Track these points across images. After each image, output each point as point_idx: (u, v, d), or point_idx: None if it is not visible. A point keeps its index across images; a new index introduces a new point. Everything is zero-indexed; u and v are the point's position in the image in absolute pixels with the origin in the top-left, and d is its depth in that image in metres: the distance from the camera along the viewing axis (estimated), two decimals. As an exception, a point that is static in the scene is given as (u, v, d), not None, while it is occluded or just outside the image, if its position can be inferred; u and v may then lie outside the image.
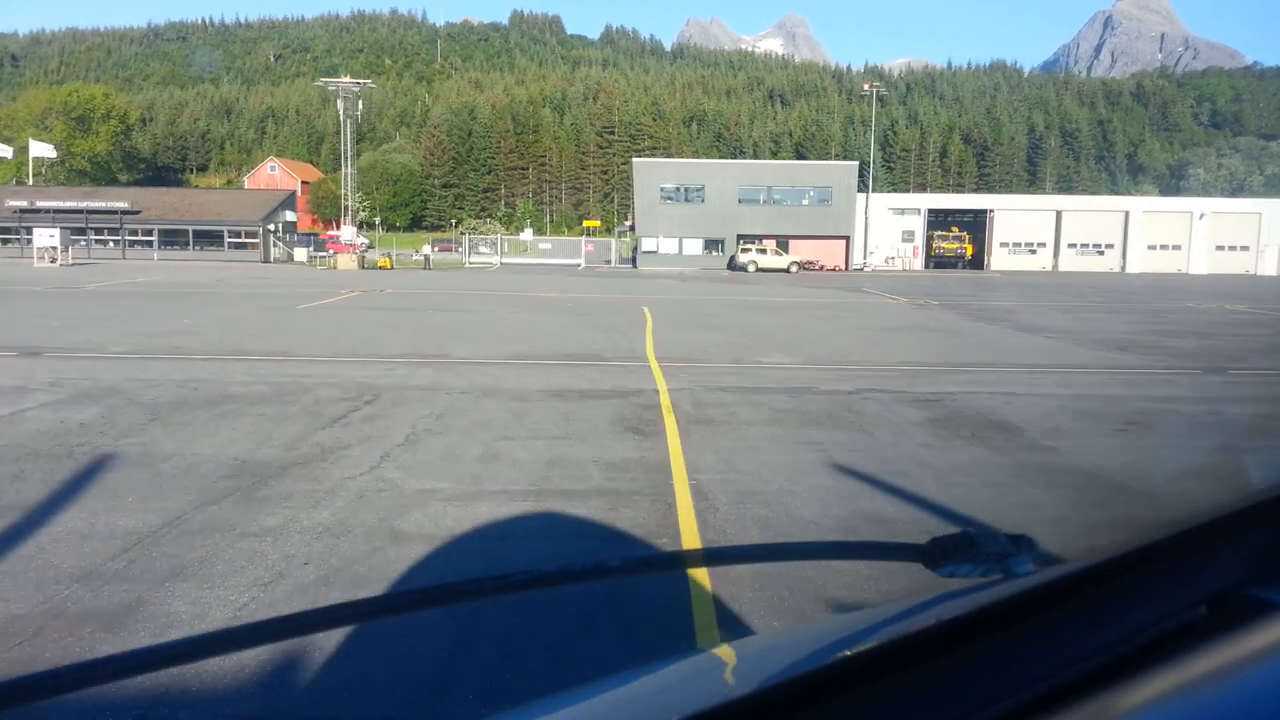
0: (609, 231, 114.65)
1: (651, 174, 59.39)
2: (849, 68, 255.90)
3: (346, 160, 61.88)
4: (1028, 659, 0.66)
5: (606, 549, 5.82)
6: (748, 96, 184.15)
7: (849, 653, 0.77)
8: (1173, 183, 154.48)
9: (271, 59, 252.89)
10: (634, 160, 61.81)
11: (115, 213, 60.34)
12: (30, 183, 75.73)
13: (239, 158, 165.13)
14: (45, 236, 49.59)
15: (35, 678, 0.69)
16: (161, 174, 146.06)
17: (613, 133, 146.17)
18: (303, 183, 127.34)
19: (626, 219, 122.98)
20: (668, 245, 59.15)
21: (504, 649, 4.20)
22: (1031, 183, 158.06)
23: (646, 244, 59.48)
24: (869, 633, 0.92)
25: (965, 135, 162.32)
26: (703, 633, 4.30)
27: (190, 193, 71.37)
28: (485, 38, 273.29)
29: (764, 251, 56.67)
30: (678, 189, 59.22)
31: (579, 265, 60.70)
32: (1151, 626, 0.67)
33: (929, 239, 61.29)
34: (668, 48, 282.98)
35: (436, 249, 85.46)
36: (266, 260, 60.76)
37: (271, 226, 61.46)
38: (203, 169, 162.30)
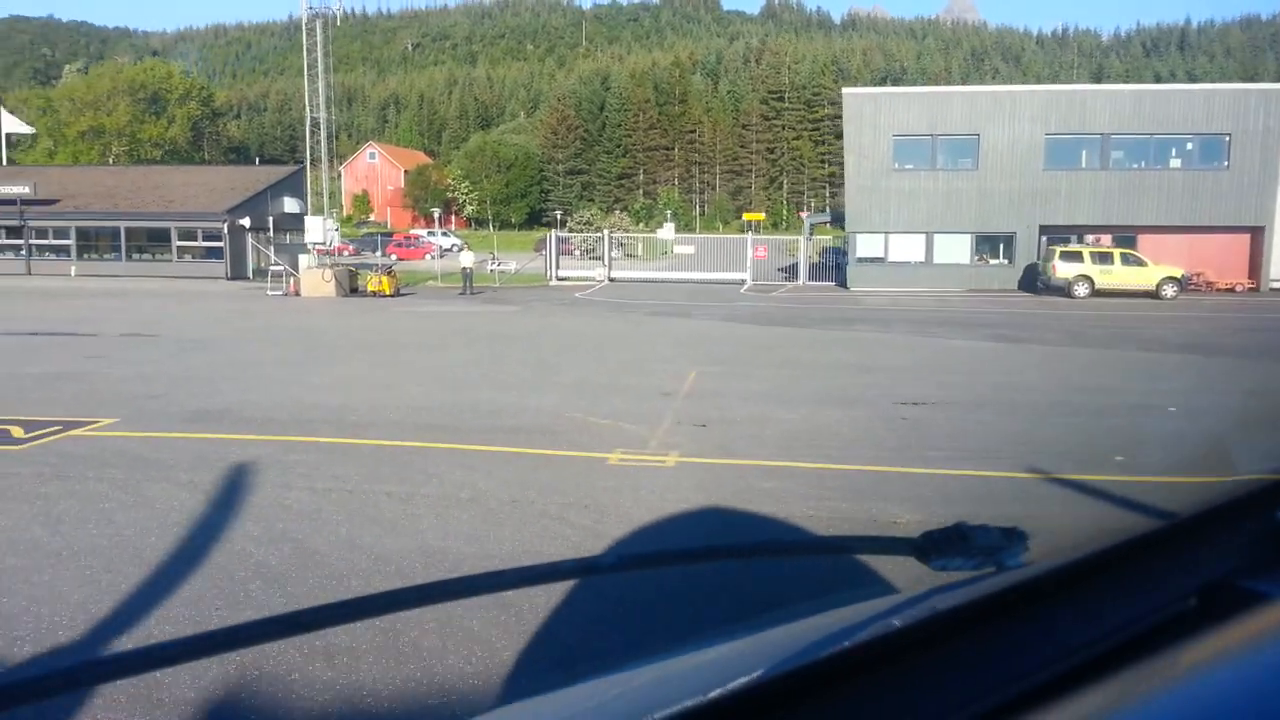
0: (776, 227, 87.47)
1: (876, 116, 32.48)
2: (1054, 33, 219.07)
3: (322, 130, 37.95)
4: (1020, 651, 0.66)
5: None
6: (942, 58, 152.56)
7: (842, 646, 0.76)
8: None
9: (409, 48, 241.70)
10: (845, 92, 35.02)
11: (13, 203, 38.22)
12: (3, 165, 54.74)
13: (352, 147, 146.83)
14: None
15: (35, 678, 0.68)
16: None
17: (781, 99, 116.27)
18: (405, 172, 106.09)
19: (806, 207, 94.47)
20: (903, 246, 32.22)
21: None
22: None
23: (864, 245, 32.73)
24: (862, 626, 0.89)
25: None
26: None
27: (135, 172, 49.03)
28: (634, 18, 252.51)
29: (1104, 258, 29.00)
30: (924, 144, 32.12)
31: (742, 281, 34.55)
32: (1143, 618, 0.67)
33: None
34: (836, 20, 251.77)
35: (543, 251, 61.18)
36: (238, 276, 37.41)
37: (245, 221, 38.00)
38: (314, 162, 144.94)
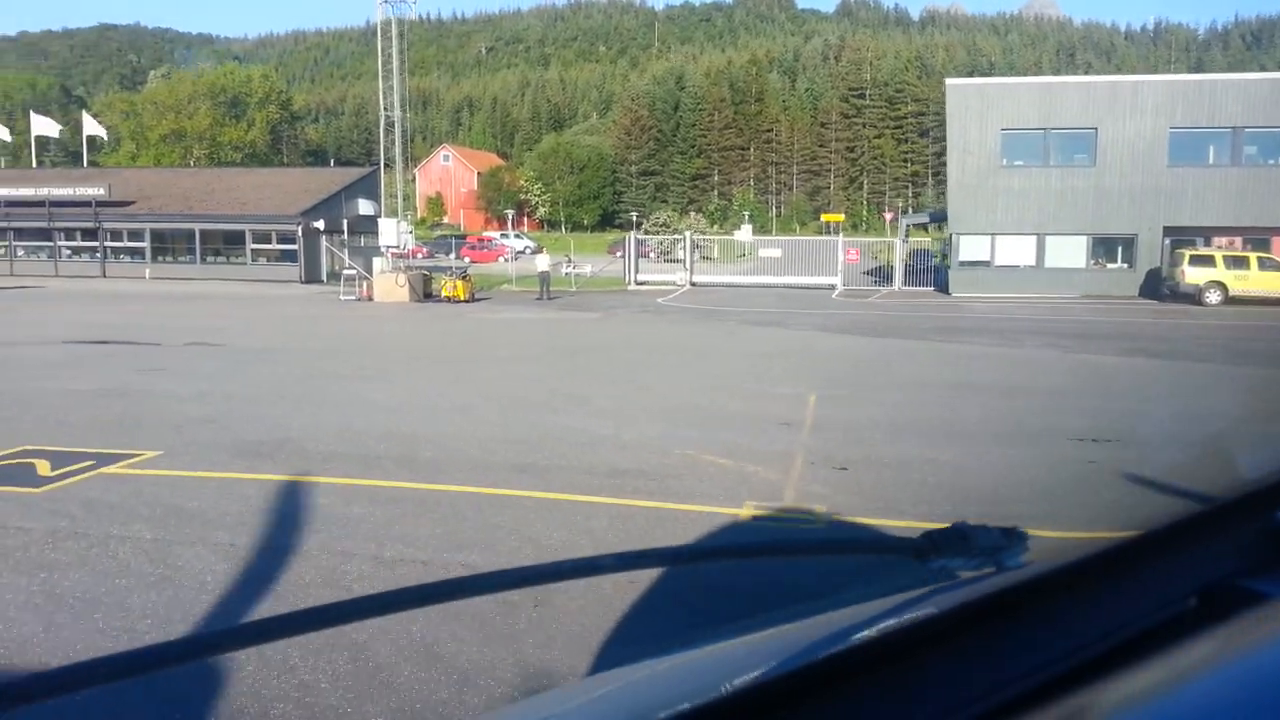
0: (856, 228, 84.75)
1: (983, 109, 30.17)
2: (1144, 28, 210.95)
3: (396, 123, 36.96)
4: (1020, 652, 0.66)
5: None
6: (1030, 53, 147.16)
7: (842, 646, 0.76)
8: None
9: (482, 52, 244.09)
10: (949, 83, 32.64)
11: (88, 204, 38.06)
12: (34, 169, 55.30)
13: (426, 150, 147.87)
14: None
15: (35, 678, 0.69)
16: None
17: (862, 96, 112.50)
18: (478, 174, 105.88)
19: (888, 207, 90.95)
20: (1012, 249, 29.89)
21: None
22: None
23: (968, 247, 30.44)
24: (862, 627, 0.90)
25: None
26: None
27: (210, 174, 48.76)
28: (707, 18, 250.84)
29: (1239, 263, 26.47)
30: (1036, 139, 29.74)
31: (832, 286, 32.59)
32: (1143, 618, 0.67)
33: None
34: (915, 17, 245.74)
35: (619, 253, 59.80)
36: (312, 279, 36.69)
37: (319, 224, 37.26)
38: (388, 164, 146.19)
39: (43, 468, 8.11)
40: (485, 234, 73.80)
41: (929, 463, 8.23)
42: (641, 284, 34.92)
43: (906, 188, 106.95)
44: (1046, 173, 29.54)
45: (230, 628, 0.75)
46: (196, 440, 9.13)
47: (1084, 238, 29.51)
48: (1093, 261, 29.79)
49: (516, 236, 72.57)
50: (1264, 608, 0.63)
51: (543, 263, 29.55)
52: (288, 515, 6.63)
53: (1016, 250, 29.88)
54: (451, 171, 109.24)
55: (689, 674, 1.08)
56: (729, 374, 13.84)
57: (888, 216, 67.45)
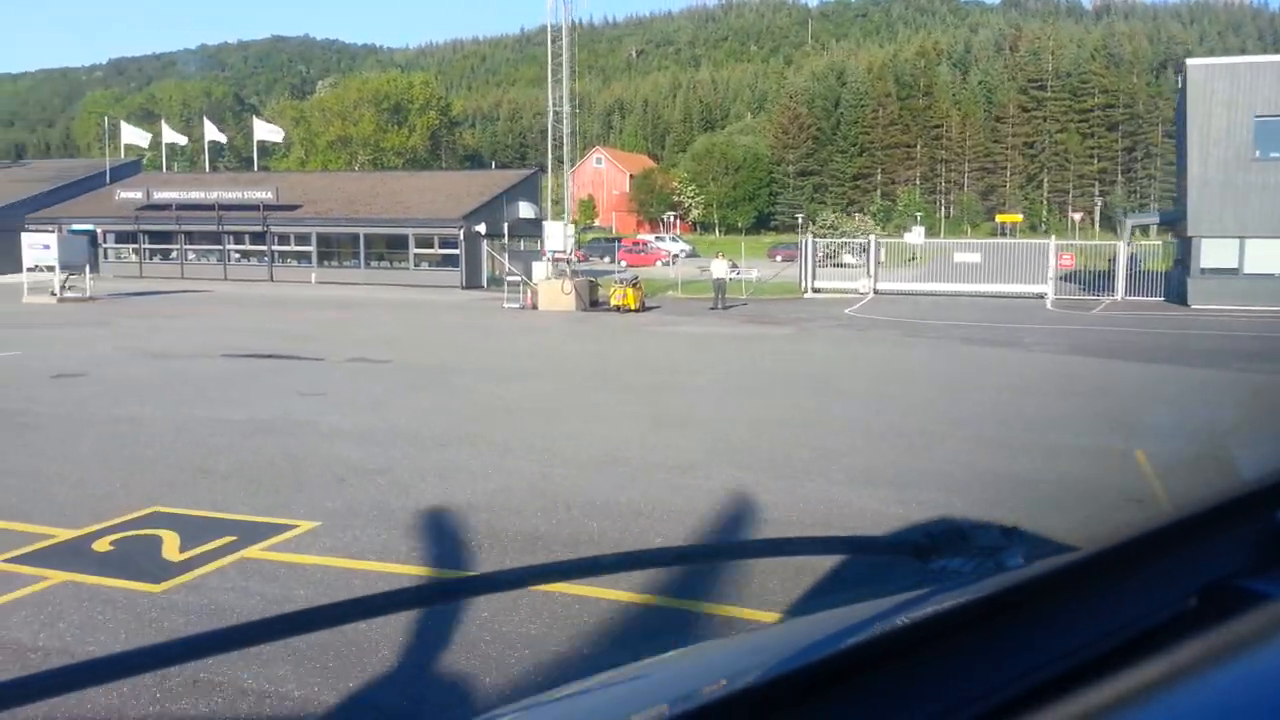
0: (1034, 229, 78.76)
1: (1231, 93, 25.92)
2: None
3: (563, 120, 35.54)
4: (1019, 652, 0.66)
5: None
6: (1233, 38, 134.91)
7: (842, 646, 0.76)
8: None
9: (632, 55, 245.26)
10: (1189, 64, 28.17)
11: (255, 208, 38.11)
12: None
13: (578, 153, 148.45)
14: (39, 248, 27.36)
15: (35, 678, 0.69)
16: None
17: (1042, 88, 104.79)
18: (630, 176, 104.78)
19: (1070, 206, 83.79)
20: (1266, 254, 25.54)
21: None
22: None
23: (1211, 252, 26.27)
24: (861, 627, 0.90)
25: None
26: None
27: (374, 178, 48.48)
28: (864, 13, 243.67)
29: None
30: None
31: (1041, 295, 28.95)
32: (1143, 618, 0.67)
33: None
34: (1087, 6, 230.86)
35: (780, 257, 56.93)
36: (473, 285, 35.58)
37: (481, 228, 36.10)
38: (541, 169, 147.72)
39: (170, 545, 6.24)
40: (639, 236, 72.11)
41: None
42: (818, 291, 32.10)
43: (1092, 185, 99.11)
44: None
45: (229, 629, 0.75)
46: (362, 503, 7.14)
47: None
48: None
49: (671, 239, 70.55)
50: (1264, 608, 0.63)
51: (718, 269, 27.17)
52: (484, 661, 4.39)
53: (1273, 256, 25.51)
54: (603, 174, 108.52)
55: (689, 674, 1.07)
56: (1004, 417, 11.03)
57: (1076, 217, 61.75)
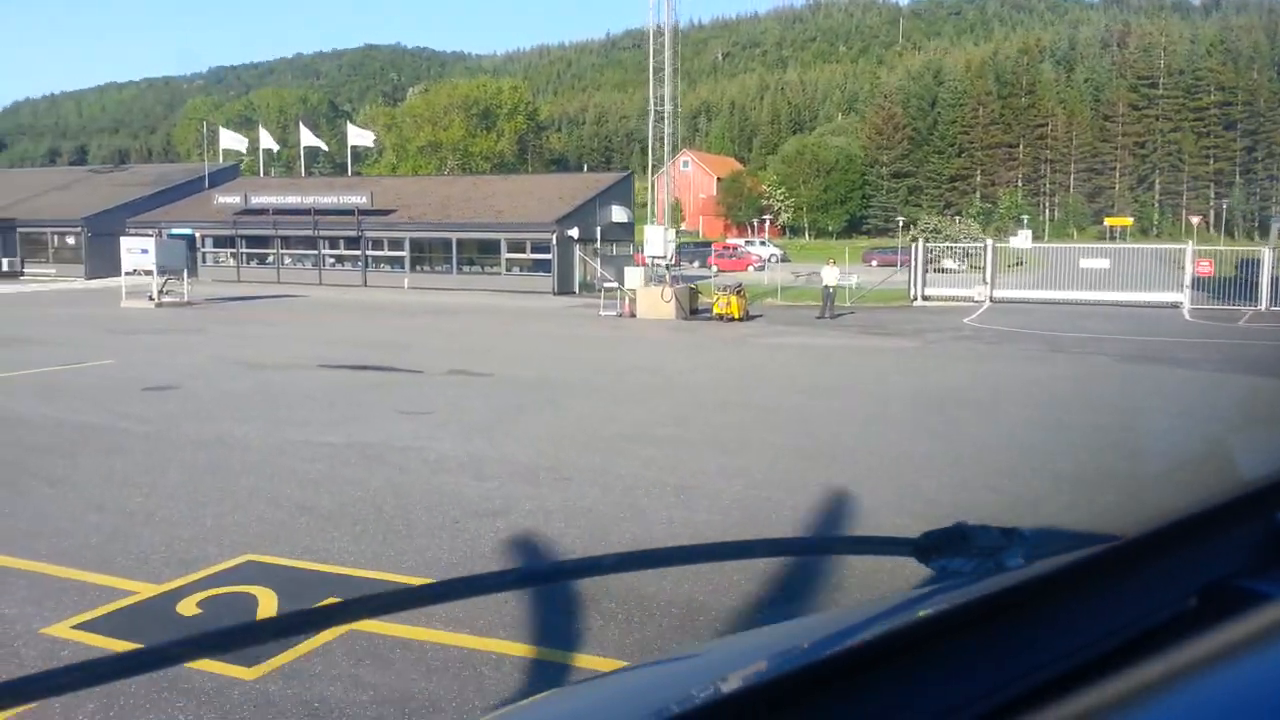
0: (1145, 233, 74.91)
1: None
2: None
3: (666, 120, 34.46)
4: (1020, 652, 0.66)
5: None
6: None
7: (842, 646, 0.76)
8: None
9: (719, 57, 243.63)
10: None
11: (350, 212, 38.00)
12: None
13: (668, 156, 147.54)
14: (137, 252, 27.40)
15: (35, 678, 0.69)
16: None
17: (1154, 85, 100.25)
18: (717, 179, 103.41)
19: (1185, 209, 79.35)
20: None
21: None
22: None
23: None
24: (861, 627, 0.90)
25: None
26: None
27: (466, 182, 48.03)
28: (957, 10, 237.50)
29: None
30: None
31: (1176, 304, 26.82)
32: (1143, 618, 0.67)
33: None
34: (1195, 1, 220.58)
35: (875, 262, 55.03)
36: (564, 290, 34.81)
37: (573, 233, 35.32)
38: (631, 171, 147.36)
39: (267, 607, 5.30)
40: (729, 241, 70.72)
41: None
42: (928, 299, 30.39)
43: (1207, 187, 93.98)
44: None
45: (230, 628, 0.76)
46: (481, 554, 6.14)
47: None
48: None
49: (761, 244, 68.97)
50: (1264, 608, 0.62)
51: (829, 275, 25.70)
52: None
53: None
54: (690, 177, 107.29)
55: (689, 674, 1.07)
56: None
57: (1194, 220, 58.15)
